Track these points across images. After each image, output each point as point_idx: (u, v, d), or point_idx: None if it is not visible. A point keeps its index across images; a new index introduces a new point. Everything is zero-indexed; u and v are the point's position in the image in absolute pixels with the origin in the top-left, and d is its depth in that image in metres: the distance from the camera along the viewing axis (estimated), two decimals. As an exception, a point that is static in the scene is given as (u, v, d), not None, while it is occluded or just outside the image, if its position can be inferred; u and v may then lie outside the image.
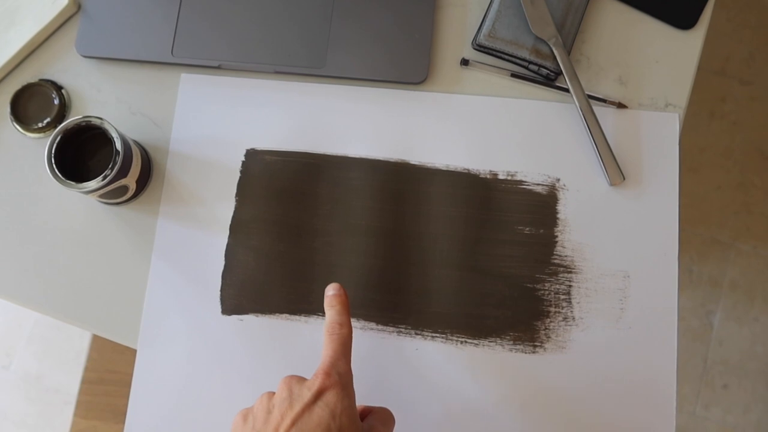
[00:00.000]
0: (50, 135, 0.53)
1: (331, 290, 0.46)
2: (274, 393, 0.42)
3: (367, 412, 0.45)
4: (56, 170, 0.49)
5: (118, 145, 0.50)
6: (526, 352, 0.52)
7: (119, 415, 0.77)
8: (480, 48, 0.57)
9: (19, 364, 1.21)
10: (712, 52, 1.28)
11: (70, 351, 1.22)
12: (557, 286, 0.53)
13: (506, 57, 0.56)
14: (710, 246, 1.24)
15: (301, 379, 0.42)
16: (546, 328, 0.52)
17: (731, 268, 1.23)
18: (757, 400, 1.18)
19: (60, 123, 0.56)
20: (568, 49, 0.56)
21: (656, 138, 0.55)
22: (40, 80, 0.57)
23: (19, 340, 1.22)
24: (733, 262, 1.23)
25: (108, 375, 0.76)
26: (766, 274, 1.22)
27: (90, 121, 0.50)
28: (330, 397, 0.39)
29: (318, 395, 0.39)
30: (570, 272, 0.53)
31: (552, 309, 0.53)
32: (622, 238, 0.54)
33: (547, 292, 0.53)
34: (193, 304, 0.54)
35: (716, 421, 1.18)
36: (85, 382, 0.77)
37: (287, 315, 0.53)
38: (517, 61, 0.56)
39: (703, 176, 1.25)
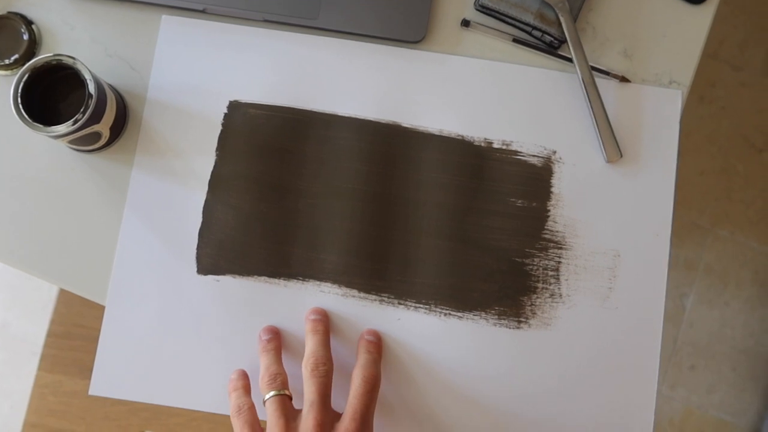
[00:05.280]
0: (17, 72, 0.50)
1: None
2: None
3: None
4: (22, 111, 0.46)
5: (91, 88, 0.46)
6: (510, 328, 0.51)
7: (85, 370, 0.75)
8: (483, 9, 0.54)
9: (-15, 311, 1.18)
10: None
11: (38, 300, 1.19)
12: (546, 262, 0.52)
13: (509, 20, 0.54)
14: (689, 230, 1.24)
15: None
16: (532, 304, 0.51)
17: (707, 253, 1.24)
18: (722, 381, 1.21)
19: (29, 60, 0.52)
20: (575, 16, 0.53)
21: (657, 115, 0.53)
22: (9, 13, 0.53)
23: (-16, 287, 1.19)
24: (710, 247, 1.24)
25: (75, 329, 0.73)
26: (740, 260, 1.23)
27: (61, 60, 0.47)
28: None
29: None
30: (560, 248, 0.52)
31: (539, 285, 0.51)
32: (616, 216, 0.52)
33: (535, 268, 0.52)
34: (167, 262, 0.51)
35: (680, 401, 1.20)
36: (51, 335, 0.74)
37: (266, 278, 0.51)
38: (521, 25, 0.54)
39: (687, 160, 1.25)
